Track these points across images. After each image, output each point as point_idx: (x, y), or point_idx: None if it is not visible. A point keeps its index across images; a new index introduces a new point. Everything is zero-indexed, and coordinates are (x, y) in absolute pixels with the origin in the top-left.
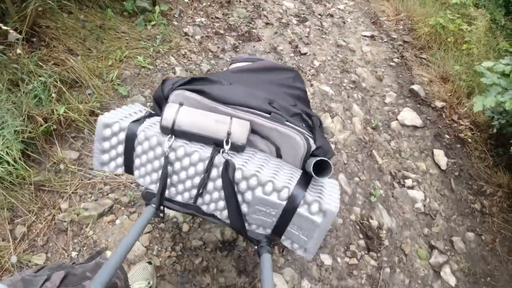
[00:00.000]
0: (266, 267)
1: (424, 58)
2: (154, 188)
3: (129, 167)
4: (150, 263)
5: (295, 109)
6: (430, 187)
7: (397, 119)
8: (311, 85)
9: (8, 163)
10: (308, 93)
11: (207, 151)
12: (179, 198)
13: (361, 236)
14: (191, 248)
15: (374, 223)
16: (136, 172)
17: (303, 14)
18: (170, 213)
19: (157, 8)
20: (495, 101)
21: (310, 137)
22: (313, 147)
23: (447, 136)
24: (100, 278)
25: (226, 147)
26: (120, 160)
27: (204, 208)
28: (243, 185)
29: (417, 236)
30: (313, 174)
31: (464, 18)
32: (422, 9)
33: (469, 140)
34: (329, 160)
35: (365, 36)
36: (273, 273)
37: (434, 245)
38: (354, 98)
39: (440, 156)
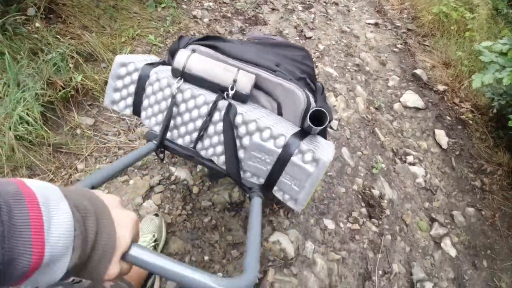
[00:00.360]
0: (255, 210)
1: (427, 45)
2: (158, 129)
3: (137, 107)
4: (156, 215)
5: (300, 74)
6: (431, 164)
7: (399, 101)
8: (316, 66)
9: (28, 123)
10: None
11: (212, 95)
12: (180, 141)
13: (363, 204)
14: (201, 208)
15: (376, 192)
16: (143, 113)
17: (309, 1)
18: (180, 176)
19: None
20: (493, 78)
21: (312, 97)
22: (313, 105)
23: (448, 117)
24: (90, 178)
25: (231, 92)
26: (130, 100)
27: (202, 153)
28: (242, 130)
29: (418, 209)
30: (309, 122)
31: (466, 6)
32: None
33: (470, 122)
34: (325, 111)
35: (369, 23)
36: (279, 232)
37: (435, 218)
38: (357, 80)
39: (441, 135)
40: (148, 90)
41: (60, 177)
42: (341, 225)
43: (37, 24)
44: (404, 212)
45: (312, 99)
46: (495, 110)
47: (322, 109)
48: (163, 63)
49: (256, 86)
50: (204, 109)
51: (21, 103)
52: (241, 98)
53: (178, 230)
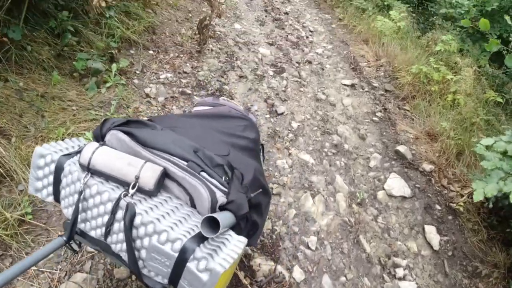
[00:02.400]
0: None
1: (408, 110)
2: None
3: (57, 196)
4: None
5: (219, 160)
6: (422, 272)
7: (383, 189)
8: (289, 154)
9: None
10: (286, 166)
11: (118, 191)
12: (92, 234)
13: None
14: None
15: None
16: (62, 202)
17: (280, 62)
18: None
19: (114, 66)
20: (497, 188)
21: (223, 191)
22: (221, 201)
23: (438, 207)
24: None
25: (131, 191)
26: (50, 189)
27: (113, 247)
28: (141, 231)
29: None
30: (201, 230)
31: (449, 67)
32: (404, 55)
33: (461, 209)
34: (217, 217)
35: (345, 85)
36: None
37: None
38: (336, 167)
39: (432, 234)
40: (64, 181)
41: None
42: None
43: None
44: None
45: (219, 194)
46: (490, 205)
47: (214, 216)
48: (81, 150)
49: (169, 176)
50: (109, 206)
51: None
52: (148, 193)
53: None
